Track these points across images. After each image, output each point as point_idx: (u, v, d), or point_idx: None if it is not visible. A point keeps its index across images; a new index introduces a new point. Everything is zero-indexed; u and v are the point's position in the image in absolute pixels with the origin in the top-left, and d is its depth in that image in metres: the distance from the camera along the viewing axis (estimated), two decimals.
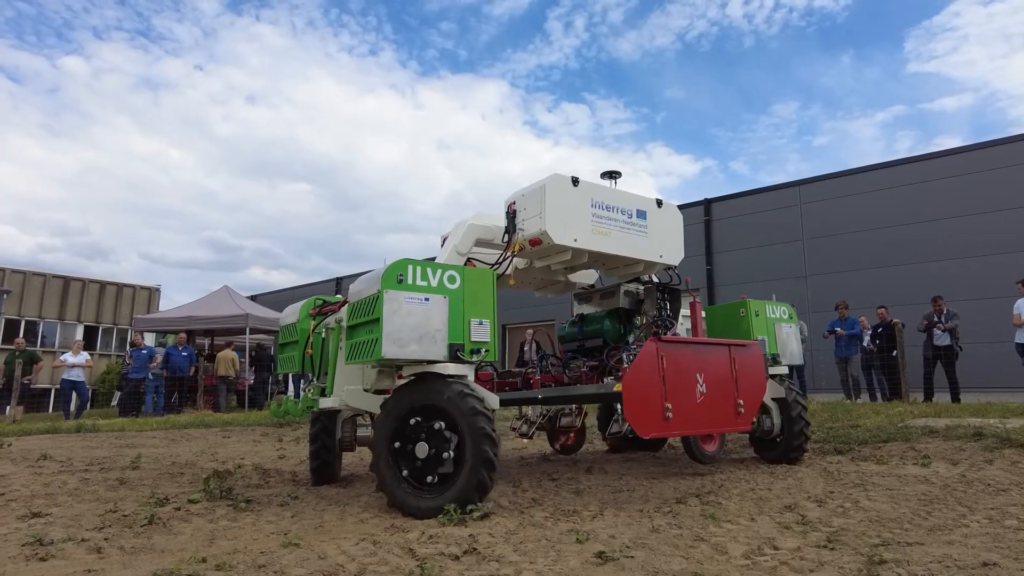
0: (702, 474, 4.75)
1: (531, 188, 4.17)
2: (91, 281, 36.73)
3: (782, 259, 17.80)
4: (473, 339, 3.49)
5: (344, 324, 3.93)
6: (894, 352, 10.95)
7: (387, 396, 3.73)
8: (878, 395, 11.46)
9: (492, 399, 3.48)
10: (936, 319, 10.67)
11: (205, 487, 3.91)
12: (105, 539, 2.81)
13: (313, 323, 4.31)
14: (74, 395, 14.13)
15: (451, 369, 3.44)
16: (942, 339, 10.61)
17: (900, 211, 15.77)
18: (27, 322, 33.58)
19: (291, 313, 4.76)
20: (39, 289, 34.36)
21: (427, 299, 3.41)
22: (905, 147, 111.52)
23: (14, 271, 34.14)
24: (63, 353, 14.72)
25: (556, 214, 4.00)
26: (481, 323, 3.55)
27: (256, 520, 3.25)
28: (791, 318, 5.31)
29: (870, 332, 11.79)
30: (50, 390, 25.77)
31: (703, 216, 19.97)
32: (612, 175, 4.58)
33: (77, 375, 13.82)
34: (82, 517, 3.24)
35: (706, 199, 20.19)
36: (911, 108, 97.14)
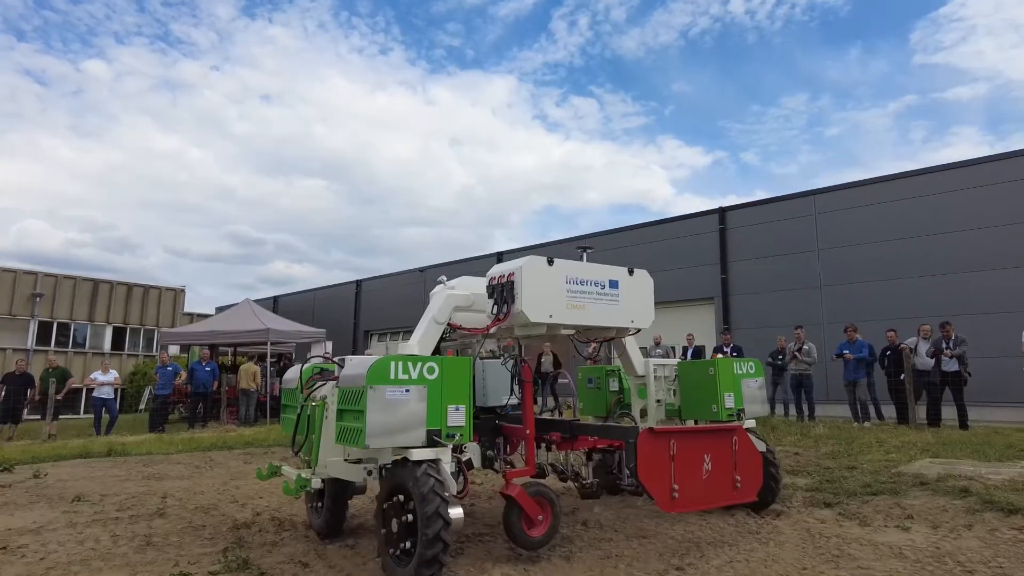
0: (691, 532, 4.98)
1: (509, 267, 4.53)
2: (119, 283, 37.71)
3: (797, 269, 17.82)
4: (449, 424, 3.85)
5: (331, 402, 4.25)
6: (902, 376, 11.03)
7: (363, 463, 4.19)
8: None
9: (451, 484, 3.81)
10: (944, 345, 10.72)
11: (223, 558, 4.25)
12: None
13: (302, 397, 4.67)
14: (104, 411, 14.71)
15: (425, 454, 3.79)
16: (950, 365, 10.66)
17: (918, 222, 15.69)
18: (59, 324, 34.67)
19: (294, 378, 5.10)
20: (70, 292, 35.39)
21: (408, 391, 3.77)
22: (919, 137, 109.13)
23: (46, 275, 35.21)
24: (94, 372, 15.32)
25: (532, 294, 4.36)
26: (457, 409, 3.89)
27: None
28: (756, 373, 5.66)
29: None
30: (81, 390, 26.48)
31: (718, 224, 20.03)
32: (584, 249, 5.04)
33: (107, 392, 14.44)
34: None
35: (721, 208, 20.24)
36: (924, 98, 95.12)
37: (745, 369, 5.56)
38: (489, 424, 5.17)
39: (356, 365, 4.03)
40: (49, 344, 33.63)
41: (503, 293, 4.50)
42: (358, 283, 32.22)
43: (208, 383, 14.97)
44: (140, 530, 5.28)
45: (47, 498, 6.77)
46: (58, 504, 6.46)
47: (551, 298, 4.44)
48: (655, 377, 5.73)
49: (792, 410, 13.40)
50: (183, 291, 40.40)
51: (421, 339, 4.63)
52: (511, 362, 5.14)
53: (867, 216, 16.71)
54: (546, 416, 5.44)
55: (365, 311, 31.45)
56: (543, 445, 5.25)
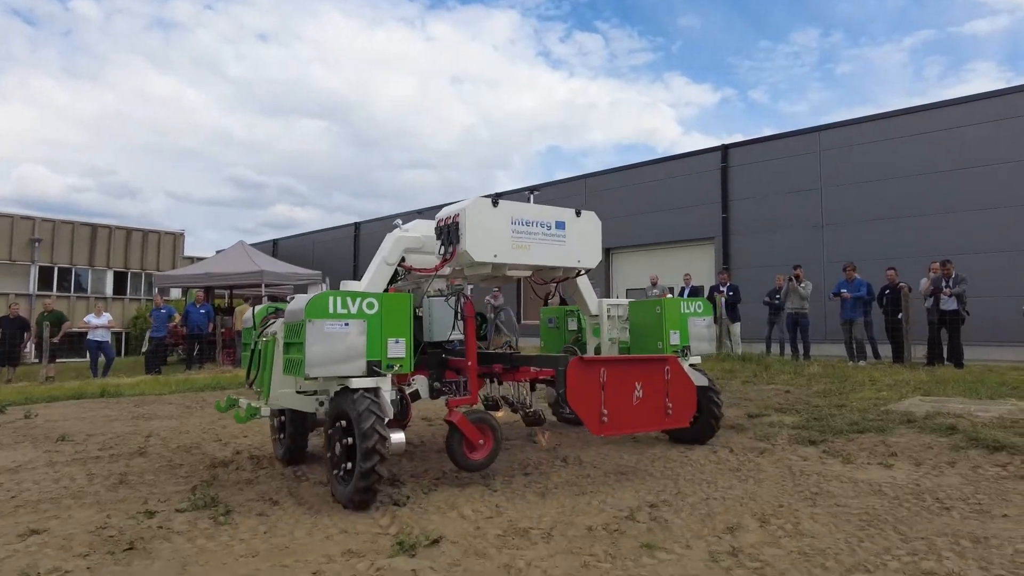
0: (671, 469, 4.93)
1: (455, 209, 4.70)
2: (117, 228, 37.50)
3: (799, 208, 17.47)
4: (390, 356, 4.13)
5: (280, 338, 4.52)
6: (899, 315, 10.88)
7: (317, 395, 4.51)
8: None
9: (388, 409, 4.06)
10: (944, 284, 10.52)
11: (191, 496, 4.21)
12: (88, 568, 3.11)
13: (256, 334, 4.98)
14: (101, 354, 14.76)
15: (364, 383, 4.05)
16: (948, 304, 10.49)
17: (923, 160, 15.25)
18: (60, 269, 34.67)
19: (250, 318, 5.38)
20: (68, 237, 35.23)
21: (347, 324, 4.01)
22: (934, 73, 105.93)
23: (44, 220, 34.97)
24: (87, 315, 15.30)
25: (476, 234, 4.53)
26: (397, 342, 4.15)
27: (231, 538, 3.53)
28: (705, 312, 5.89)
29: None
30: (83, 333, 26.62)
31: (720, 162, 19.55)
32: (532, 191, 5.18)
33: (101, 335, 14.46)
34: (74, 537, 3.54)
35: (724, 145, 19.71)
36: (940, 32, 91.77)
37: (693, 308, 5.77)
38: (436, 358, 5.34)
39: (299, 301, 4.24)
40: (51, 289, 33.78)
41: (449, 234, 4.64)
42: (356, 225, 31.95)
43: (203, 325, 14.97)
44: (117, 469, 5.26)
45: (32, 438, 6.78)
46: (42, 444, 6.47)
47: (495, 238, 4.59)
48: (608, 316, 5.96)
49: (788, 349, 13.33)
50: (182, 235, 40.24)
51: (371, 279, 4.82)
52: (453, 299, 5.27)
53: (872, 154, 16.23)
54: (504, 351, 5.67)
55: (364, 253, 31.25)
56: (493, 378, 5.53)
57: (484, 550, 3.28)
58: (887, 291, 11.46)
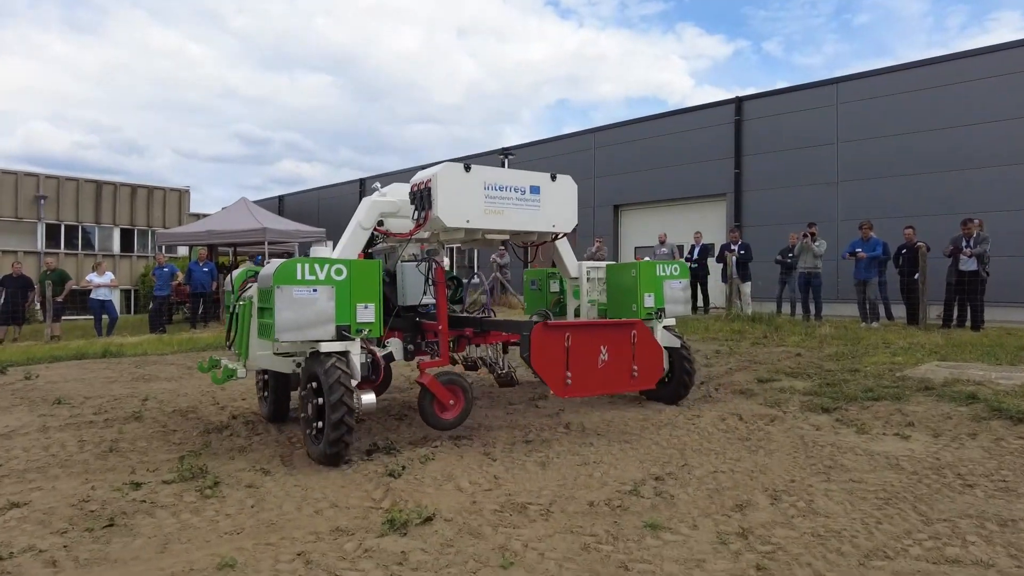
0: (678, 437, 4.76)
1: (428, 174, 4.73)
2: (122, 184, 37.19)
3: (814, 163, 16.93)
4: (359, 321, 4.25)
5: (256, 301, 4.63)
6: (915, 276, 10.56)
7: (295, 356, 4.60)
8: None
9: (357, 372, 4.21)
10: (965, 243, 10.16)
11: (179, 466, 4.07)
12: (64, 546, 2.97)
13: (235, 298, 5.04)
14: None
15: (333, 347, 4.18)
16: (968, 264, 10.14)
17: (945, 113, 14.61)
18: (68, 227, 34.54)
19: (230, 282, 5.47)
20: (73, 193, 34.98)
21: (315, 290, 4.11)
22: (956, 23, 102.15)
23: (48, 176, 34.70)
24: (89, 274, 15.18)
25: (448, 199, 4.58)
26: (366, 307, 4.26)
27: (217, 513, 3.39)
28: (681, 275, 5.93)
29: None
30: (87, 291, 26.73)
31: (733, 116, 18.91)
32: (506, 155, 5.64)
33: (104, 294, 14.37)
34: (55, 512, 3.42)
35: (737, 97, 19.05)
36: None
37: (669, 271, 5.82)
38: (410, 321, 5.44)
39: (270, 267, 4.31)
40: (59, 247, 33.75)
41: (422, 199, 4.69)
42: (361, 181, 31.50)
43: (206, 283, 14.84)
44: (109, 435, 5.14)
45: (29, 401, 6.69)
46: (38, 407, 6.37)
47: (468, 203, 4.65)
48: (588, 279, 6.08)
49: (799, 309, 13.08)
50: (187, 191, 39.82)
51: (346, 244, 4.88)
52: (424, 264, 5.29)
53: (891, 106, 15.59)
54: (479, 314, 5.88)
55: None
56: (466, 341, 5.62)
57: (479, 529, 3.12)
58: (904, 250, 11.11)
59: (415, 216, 4.85)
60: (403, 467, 4.10)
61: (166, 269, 14.72)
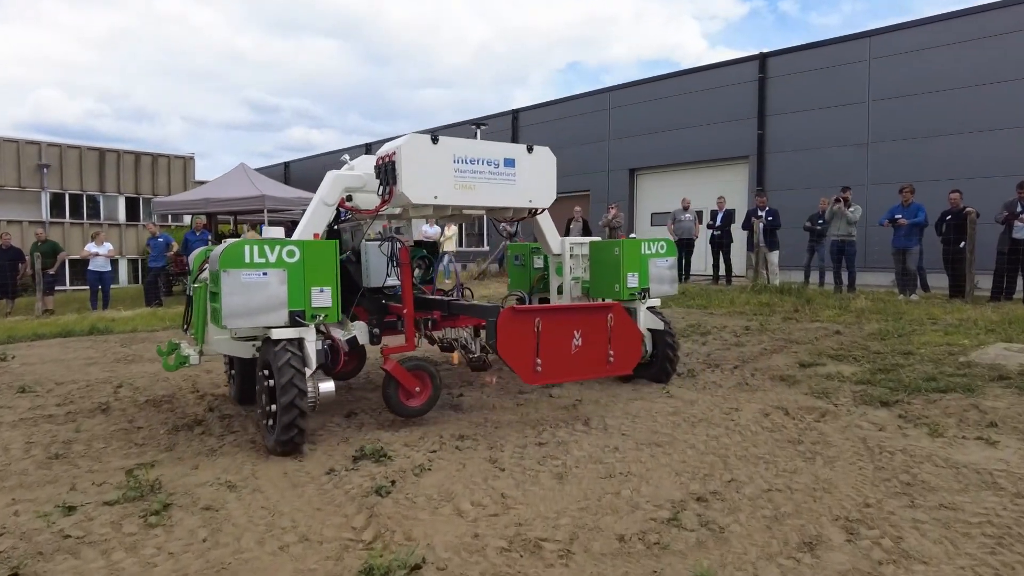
0: (716, 438, 4.07)
1: (392, 146, 4.39)
2: (125, 152, 36.52)
3: (843, 124, 15.86)
4: (314, 306, 3.97)
5: (209, 285, 4.25)
6: (962, 244, 9.69)
7: (255, 341, 4.31)
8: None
9: (312, 360, 3.96)
10: (1019, 209, 9.26)
11: (128, 481, 3.42)
12: None
13: (190, 280, 4.75)
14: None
15: (285, 334, 3.90)
16: (1022, 232, 9.26)
17: (995, 66, 13.46)
18: (72, 196, 33.99)
19: (192, 260, 5.08)
20: (76, 162, 34.35)
21: (265, 274, 3.84)
22: None
23: (50, 144, 34.02)
24: (88, 244, 14.59)
25: (414, 173, 4.28)
26: (322, 291, 3.98)
27: (159, 549, 2.75)
28: (668, 252, 5.60)
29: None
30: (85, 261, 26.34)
31: (757, 73, 17.79)
32: (478, 125, 4.93)
33: (101, 264, 13.80)
34: None
35: (762, 53, 17.88)
36: None
37: (655, 249, 5.53)
38: (376, 303, 5.13)
39: (219, 248, 4.02)
40: (65, 216, 33.25)
41: (387, 173, 4.39)
42: (367, 147, 30.60)
43: None
44: (64, 434, 4.53)
45: None
46: (2, 395, 5.78)
47: (436, 178, 4.37)
48: (571, 255, 5.75)
49: (828, 279, 12.26)
50: (192, 159, 39.08)
51: (307, 222, 4.57)
52: (386, 244, 4.94)
53: (931, 60, 14.43)
54: (452, 295, 5.47)
55: None
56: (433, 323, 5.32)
57: None
58: (948, 217, 10.22)
59: (380, 192, 4.53)
60: (392, 482, 3.45)
61: (161, 239, 14.10)
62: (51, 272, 13.52)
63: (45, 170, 33.06)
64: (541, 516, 3.02)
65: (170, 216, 29.63)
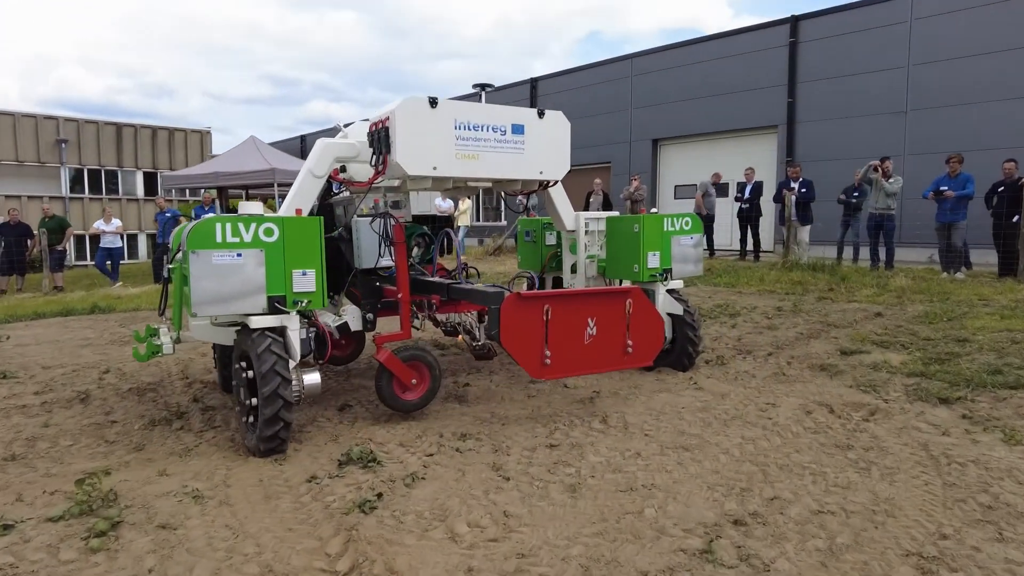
0: (752, 441, 3.57)
1: (386, 111, 3.94)
2: (142, 127, 36.36)
3: (879, 90, 14.93)
4: (296, 291, 3.56)
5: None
6: (1015, 218, 8.95)
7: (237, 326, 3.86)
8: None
9: (295, 350, 3.59)
10: None
11: (78, 492, 3.00)
12: None
13: (167, 261, 4.25)
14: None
15: (264, 322, 3.53)
16: None
17: None
18: (91, 171, 33.97)
19: (172, 237, 4.65)
20: (94, 137, 34.26)
21: (240, 255, 3.44)
22: None
23: (68, 119, 33.92)
24: (97, 221, 14.34)
25: (410, 141, 3.84)
26: (305, 274, 3.58)
27: None
28: (693, 229, 5.16)
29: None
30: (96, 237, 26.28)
31: (788, 38, 16.82)
32: (483, 88, 4.72)
33: (112, 241, 13.59)
34: None
35: (793, 16, 16.89)
36: None
37: (679, 225, 5.09)
38: (370, 286, 4.68)
39: (189, 226, 3.64)
40: (84, 192, 33.29)
41: (380, 142, 3.93)
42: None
43: None
44: (32, 428, 4.15)
45: None
46: None
47: (435, 146, 3.93)
48: (587, 231, 5.27)
49: (864, 254, 11.54)
50: (209, 133, 38.83)
51: (294, 195, 4.11)
52: (378, 222, 4.43)
53: (980, 19, 13.42)
54: (455, 276, 4.91)
55: None
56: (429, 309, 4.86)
57: None
58: (1000, 188, 9.45)
59: (373, 161, 4.08)
60: (379, 494, 3.00)
61: (168, 214, 13.76)
62: (59, 248, 13.27)
63: (63, 145, 33.00)
64: (548, 544, 2.56)
65: (188, 190, 29.48)
